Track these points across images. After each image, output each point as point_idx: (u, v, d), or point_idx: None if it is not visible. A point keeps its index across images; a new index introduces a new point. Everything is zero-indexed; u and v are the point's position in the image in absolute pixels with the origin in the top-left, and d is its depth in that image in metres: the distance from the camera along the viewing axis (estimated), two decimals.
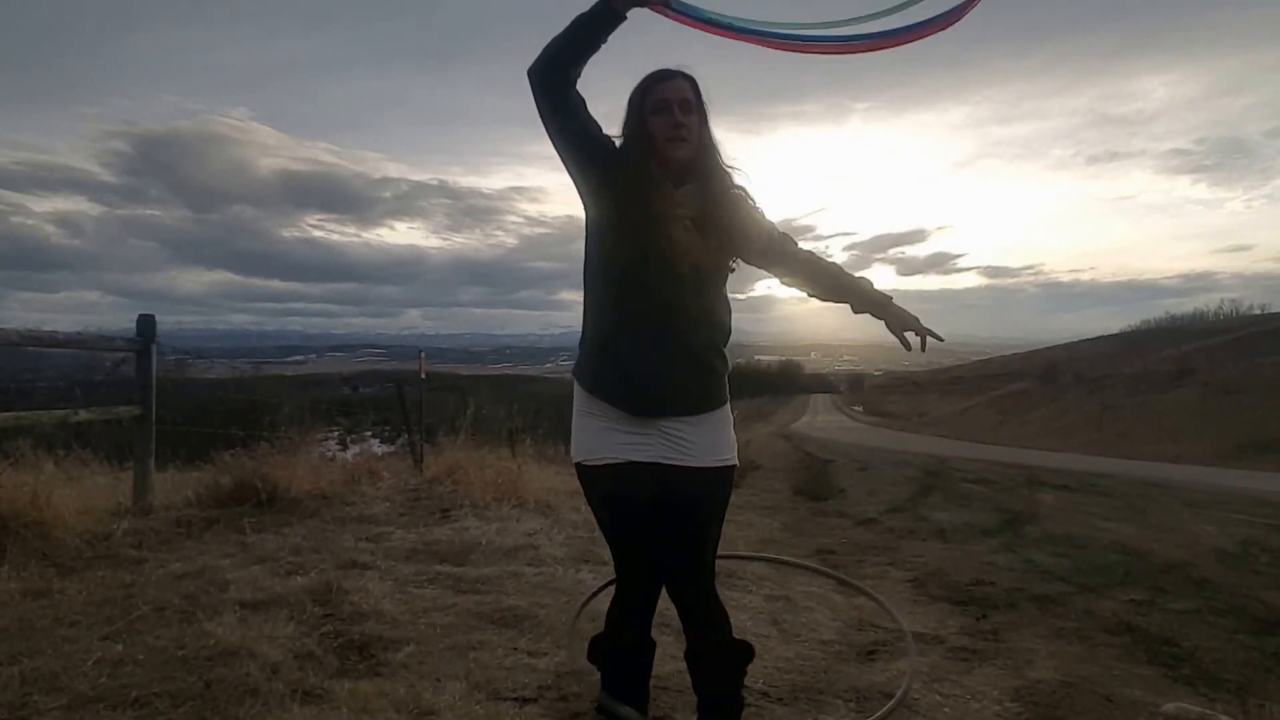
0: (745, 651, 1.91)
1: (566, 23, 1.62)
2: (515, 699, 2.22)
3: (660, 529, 1.74)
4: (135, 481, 4.62)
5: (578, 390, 1.82)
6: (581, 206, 1.79)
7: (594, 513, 1.87)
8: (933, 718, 2.30)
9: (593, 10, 1.60)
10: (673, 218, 1.69)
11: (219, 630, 2.52)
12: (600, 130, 1.73)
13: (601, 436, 1.75)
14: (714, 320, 1.78)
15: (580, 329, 1.86)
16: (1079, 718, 2.33)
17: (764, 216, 1.83)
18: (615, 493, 1.74)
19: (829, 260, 1.88)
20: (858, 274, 1.86)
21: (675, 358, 1.71)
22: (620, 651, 1.91)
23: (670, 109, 1.66)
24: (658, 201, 1.68)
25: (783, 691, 2.40)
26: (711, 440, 1.76)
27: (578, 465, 1.81)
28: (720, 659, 1.86)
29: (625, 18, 1.61)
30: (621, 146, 1.72)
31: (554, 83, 1.64)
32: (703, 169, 1.74)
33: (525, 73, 1.65)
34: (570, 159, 1.71)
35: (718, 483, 1.77)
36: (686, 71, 1.72)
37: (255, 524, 4.26)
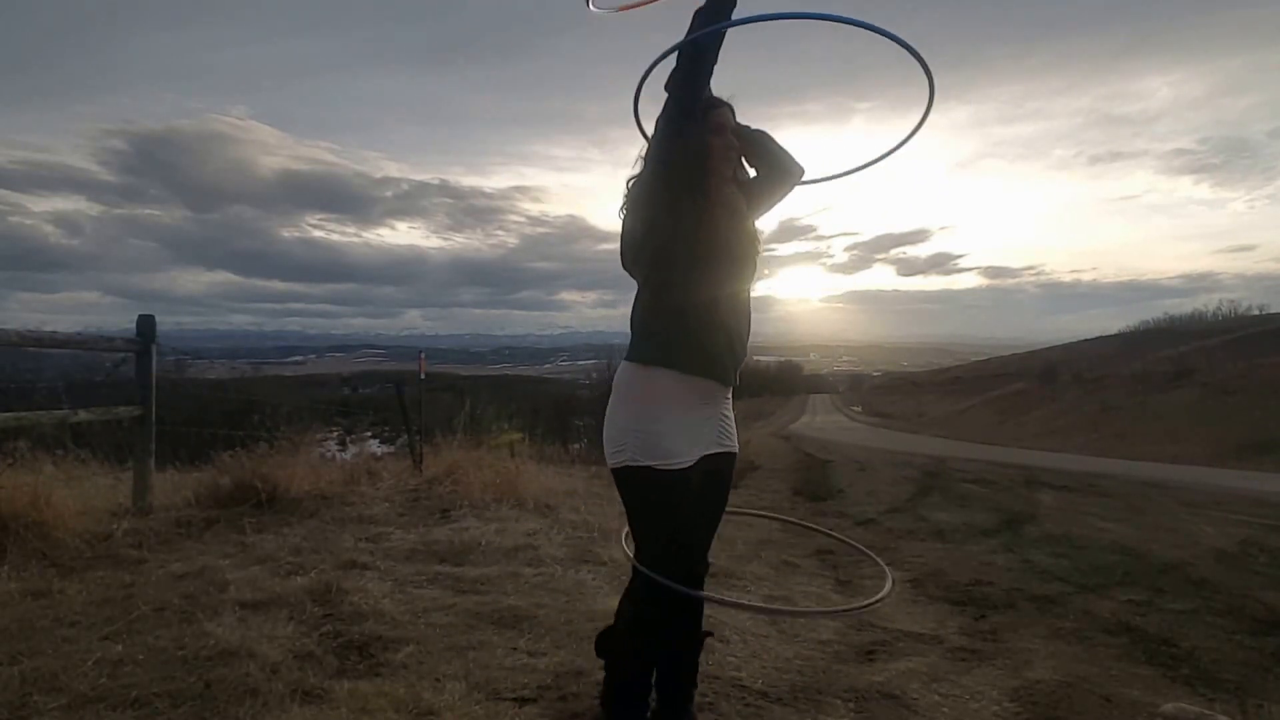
0: (707, 634, 2.11)
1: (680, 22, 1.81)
2: (515, 699, 2.23)
3: (707, 509, 1.96)
4: (135, 482, 4.62)
5: (648, 376, 1.86)
6: (662, 197, 1.87)
7: (645, 508, 1.87)
8: (931, 718, 2.30)
9: None
10: (746, 212, 1.98)
11: (219, 630, 2.52)
12: None
13: (674, 435, 1.83)
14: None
15: (644, 320, 1.90)
16: (1077, 718, 2.33)
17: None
18: (684, 488, 1.84)
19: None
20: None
21: (746, 329, 1.97)
22: (652, 644, 1.94)
23: (724, 133, 1.94)
24: (736, 199, 1.96)
25: (782, 691, 2.40)
26: (734, 426, 2.03)
27: (645, 469, 1.80)
28: (697, 628, 2.04)
29: None
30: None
31: (707, 76, 1.81)
32: (741, 176, 2.04)
33: (667, 84, 1.80)
34: (693, 152, 1.86)
35: (734, 465, 2.05)
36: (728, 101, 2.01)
37: (255, 524, 4.27)
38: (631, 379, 1.88)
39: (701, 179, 1.88)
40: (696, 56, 1.76)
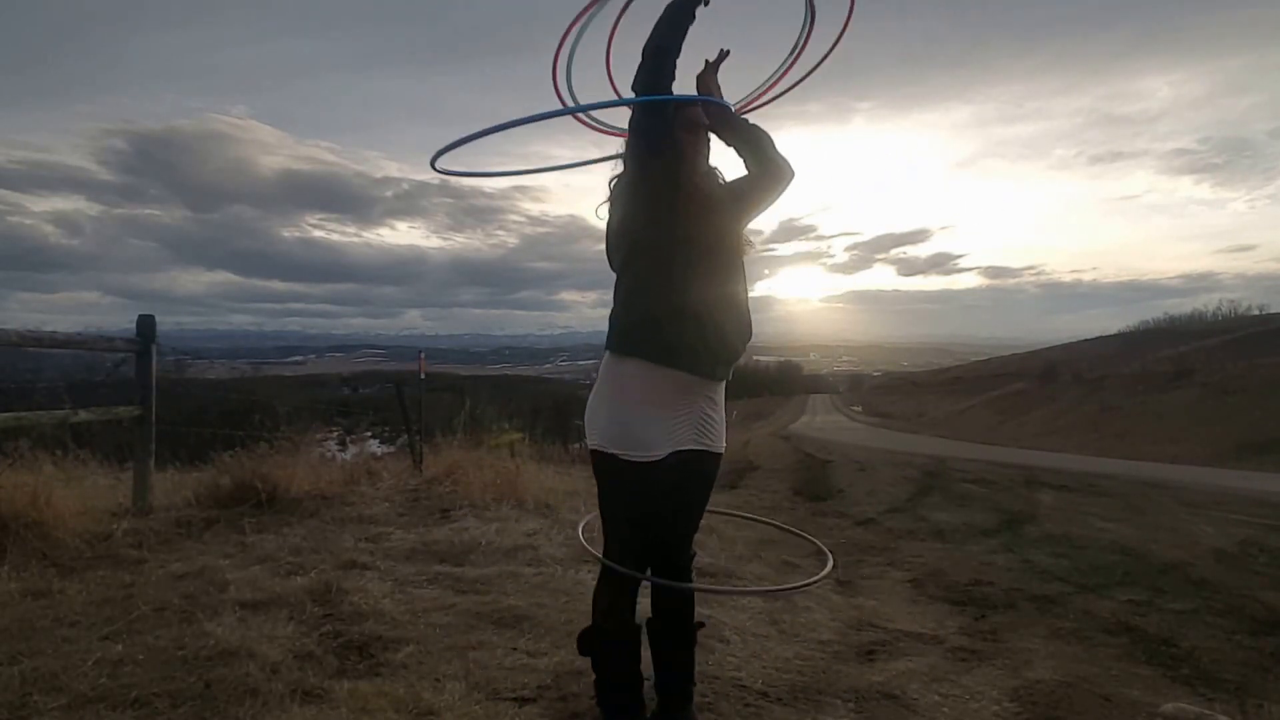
0: (699, 625, 2.11)
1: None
2: (515, 699, 2.23)
3: (680, 504, 1.96)
4: (135, 482, 4.61)
5: (626, 369, 1.87)
6: (641, 191, 1.90)
7: (610, 493, 1.93)
8: (931, 718, 2.30)
9: None
10: (726, 206, 1.98)
11: (219, 630, 2.52)
12: None
13: (644, 427, 1.85)
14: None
15: (627, 311, 1.92)
16: (1077, 718, 2.33)
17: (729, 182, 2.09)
18: (651, 481, 1.85)
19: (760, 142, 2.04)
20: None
21: (733, 323, 1.93)
22: (626, 633, 1.98)
23: (695, 129, 1.98)
24: (712, 191, 1.96)
25: (782, 691, 2.40)
26: (722, 426, 1.99)
27: (612, 456, 1.86)
28: (687, 625, 2.05)
29: None
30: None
31: (671, 70, 1.84)
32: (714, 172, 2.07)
33: (635, 84, 1.85)
34: (671, 145, 1.90)
35: (718, 464, 2.03)
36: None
37: (255, 524, 4.27)
38: (607, 370, 1.92)
39: (677, 174, 1.89)
40: (657, 57, 1.82)
